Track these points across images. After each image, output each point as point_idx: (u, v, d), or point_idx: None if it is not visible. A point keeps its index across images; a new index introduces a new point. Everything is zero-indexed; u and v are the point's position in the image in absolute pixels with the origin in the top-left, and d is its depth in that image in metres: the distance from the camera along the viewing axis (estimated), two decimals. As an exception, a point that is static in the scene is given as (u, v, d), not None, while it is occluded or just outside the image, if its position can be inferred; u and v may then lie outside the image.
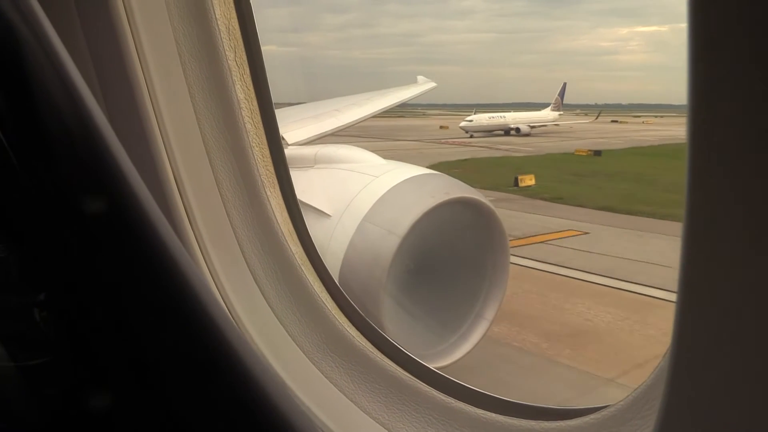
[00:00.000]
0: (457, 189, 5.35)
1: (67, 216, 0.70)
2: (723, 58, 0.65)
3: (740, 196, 0.68)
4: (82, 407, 0.71)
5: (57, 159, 0.70)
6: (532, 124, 58.91)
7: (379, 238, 4.97)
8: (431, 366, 1.72)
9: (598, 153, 41.91)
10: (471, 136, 53.32)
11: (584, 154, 42.20)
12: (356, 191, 5.35)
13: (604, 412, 1.23)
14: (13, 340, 0.71)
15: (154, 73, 1.63)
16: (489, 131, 56.10)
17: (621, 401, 1.18)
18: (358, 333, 1.82)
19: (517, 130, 56.69)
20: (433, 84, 13.85)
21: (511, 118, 58.50)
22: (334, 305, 1.87)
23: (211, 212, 1.77)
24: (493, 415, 1.46)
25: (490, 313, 5.51)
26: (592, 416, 1.26)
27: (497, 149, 45.34)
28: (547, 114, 64.52)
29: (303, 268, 1.86)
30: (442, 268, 5.45)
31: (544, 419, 1.37)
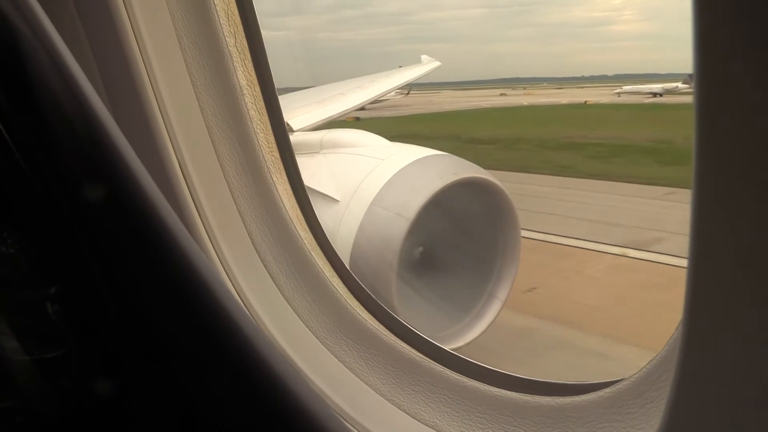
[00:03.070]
0: (465, 169, 5.34)
1: (73, 210, 0.70)
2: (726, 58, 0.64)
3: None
4: (97, 399, 0.72)
5: (61, 153, 0.70)
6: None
7: (388, 221, 4.98)
8: (445, 347, 1.73)
9: (358, 119, 52.63)
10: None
11: (350, 120, 51.96)
12: (364, 175, 5.35)
13: (618, 386, 1.23)
14: (27, 333, 0.72)
15: (155, 62, 1.62)
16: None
17: (635, 374, 1.19)
18: (371, 316, 1.82)
19: (357, 106, 66.49)
20: (437, 63, 13.76)
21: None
22: (346, 290, 1.88)
23: (218, 201, 1.78)
24: (507, 392, 1.47)
25: (502, 293, 5.52)
26: (606, 390, 1.27)
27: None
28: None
29: (313, 254, 1.87)
30: (453, 250, 5.46)
31: (559, 395, 1.38)
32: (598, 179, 21.93)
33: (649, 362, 1.14)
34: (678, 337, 0.85)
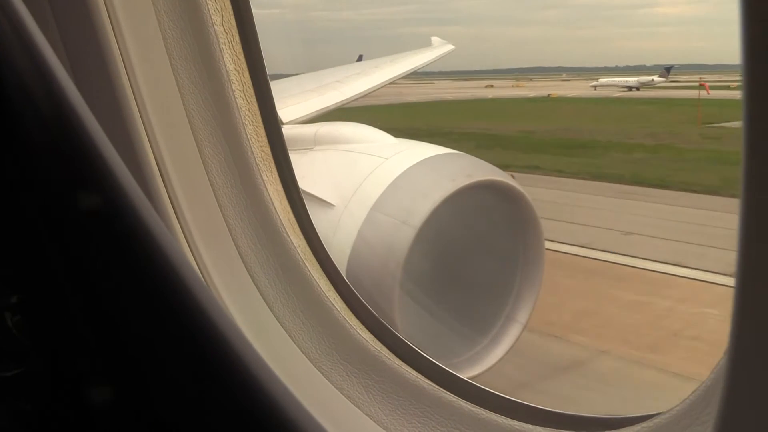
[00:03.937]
0: (481, 170, 5.32)
1: (40, 208, 0.70)
2: None
3: None
4: (62, 424, 0.72)
5: (32, 143, 0.70)
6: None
7: (391, 229, 4.96)
8: (458, 374, 1.73)
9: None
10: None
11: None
12: (363, 176, 5.33)
13: (657, 420, 1.24)
14: None
15: (131, 42, 1.63)
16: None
17: (676, 406, 1.19)
18: (372, 337, 1.83)
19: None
20: (450, 47, 13.73)
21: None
22: (344, 306, 1.88)
23: (199, 201, 1.78)
24: (530, 426, 1.47)
25: (522, 315, 5.48)
26: (643, 424, 1.27)
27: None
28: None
29: (307, 264, 1.87)
30: (466, 264, 5.43)
31: (589, 430, 1.38)
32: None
33: (692, 393, 1.15)
34: (724, 365, 0.85)
